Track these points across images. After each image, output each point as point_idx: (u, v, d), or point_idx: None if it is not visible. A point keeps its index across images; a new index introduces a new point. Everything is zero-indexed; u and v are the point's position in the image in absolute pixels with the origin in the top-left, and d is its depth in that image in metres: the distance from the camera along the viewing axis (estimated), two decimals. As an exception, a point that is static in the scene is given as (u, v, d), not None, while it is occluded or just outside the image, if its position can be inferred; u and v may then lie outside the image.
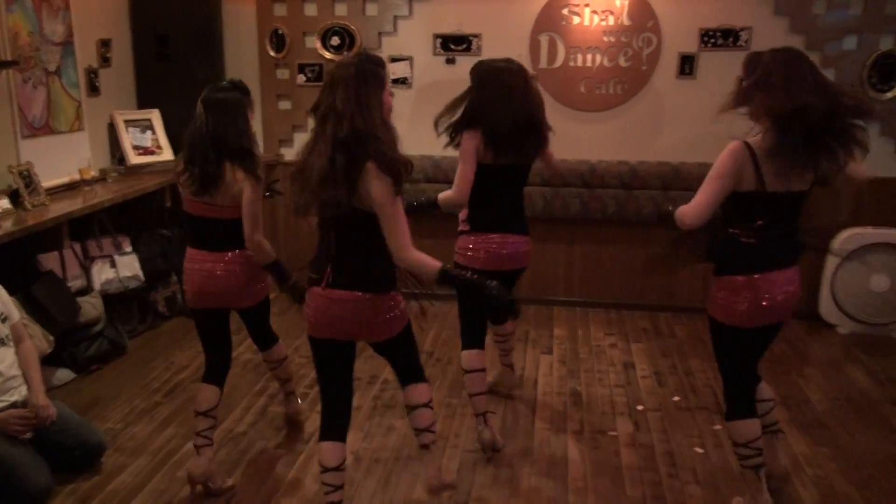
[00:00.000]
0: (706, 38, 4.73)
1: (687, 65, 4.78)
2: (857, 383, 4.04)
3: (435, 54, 5.00)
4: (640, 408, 3.74)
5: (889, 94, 4.60)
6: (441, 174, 5.01)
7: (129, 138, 4.77)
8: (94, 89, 4.58)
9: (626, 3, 4.72)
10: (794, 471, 3.16)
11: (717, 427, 3.53)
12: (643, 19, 4.74)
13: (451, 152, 5.07)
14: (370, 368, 4.15)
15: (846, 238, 4.59)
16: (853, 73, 4.61)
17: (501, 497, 2.99)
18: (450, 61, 5.00)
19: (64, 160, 4.29)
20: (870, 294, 4.64)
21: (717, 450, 3.34)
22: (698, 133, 4.85)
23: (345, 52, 5.03)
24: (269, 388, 3.92)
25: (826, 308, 4.78)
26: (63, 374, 3.94)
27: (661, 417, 3.64)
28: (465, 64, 4.94)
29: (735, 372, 2.75)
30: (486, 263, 3.14)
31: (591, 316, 5.06)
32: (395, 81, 5.05)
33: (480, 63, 3.25)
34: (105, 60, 4.68)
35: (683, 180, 4.82)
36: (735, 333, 2.67)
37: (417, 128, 5.03)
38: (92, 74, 4.56)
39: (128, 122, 4.79)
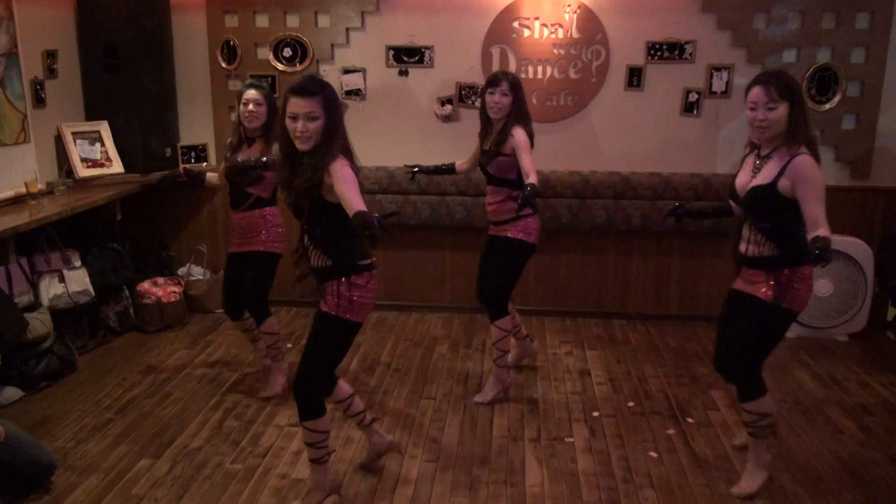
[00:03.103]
0: (653, 52, 4.84)
1: (635, 77, 4.89)
2: (803, 385, 4.17)
3: (388, 66, 5.02)
4: (595, 414, 3.79)
5: (827, 106, 4.77)
6: (395, 185, 5.03)
7: (77, 150, 4.68)
8: (40, 101, 4.49)
9: (575, 16, 4.82)
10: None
11: (671, 431, 3.61)
12: (592, 33, 4.84)
13: (407, 163, 5.12)
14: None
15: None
16: (794, 85, 4.77)
17: (460, 505, 3.01)
18: (402, 73, 5.03)
19: (9, 173, 4.19)
20: (814, 298, 4.77)
21: (670, 454, 3.41)
22: (647, 143, 4.98)
23: (297, 64, 5.03)
24: (224, 402, 3.88)
25: (772, 313, 4.92)
26: (11, 393, 3.84)
27: (617, 423, 3.70)
28: (418, 76, 5.02)
29: (765, 354, 3.05)
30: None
31: (547, 324, 5.12)
32: (349, 93, 5.06)
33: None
34: (51, 72, 4.59)
35: (634, 190, 4.93)
36: (792, 318, 2.99)
37: (372, 139, 5.08)
38: (38, 86, 4.47)
39: (76, 135, 4.71)
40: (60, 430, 3.56)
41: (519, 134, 3.62)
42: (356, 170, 2.64)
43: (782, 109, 2.78)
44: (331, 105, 2.61)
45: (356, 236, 2.66)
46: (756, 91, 2.82)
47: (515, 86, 3.66)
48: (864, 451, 3.45)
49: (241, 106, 3.76)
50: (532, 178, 3.47)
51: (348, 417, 3.16)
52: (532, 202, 3.38)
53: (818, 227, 2.65)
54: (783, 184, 2.77)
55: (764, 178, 2.84)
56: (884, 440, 3.56)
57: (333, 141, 2.61)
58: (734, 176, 3.05)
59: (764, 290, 2.90)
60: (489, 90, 3.67)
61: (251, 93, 3.75)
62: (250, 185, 3.81)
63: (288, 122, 2.60)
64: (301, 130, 2.57)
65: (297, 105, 2.57)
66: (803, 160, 2.74)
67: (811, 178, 2.72)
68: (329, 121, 2.60)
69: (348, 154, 2.66)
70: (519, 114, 3.68)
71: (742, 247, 2.99)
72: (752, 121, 2.85)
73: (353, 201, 2.47)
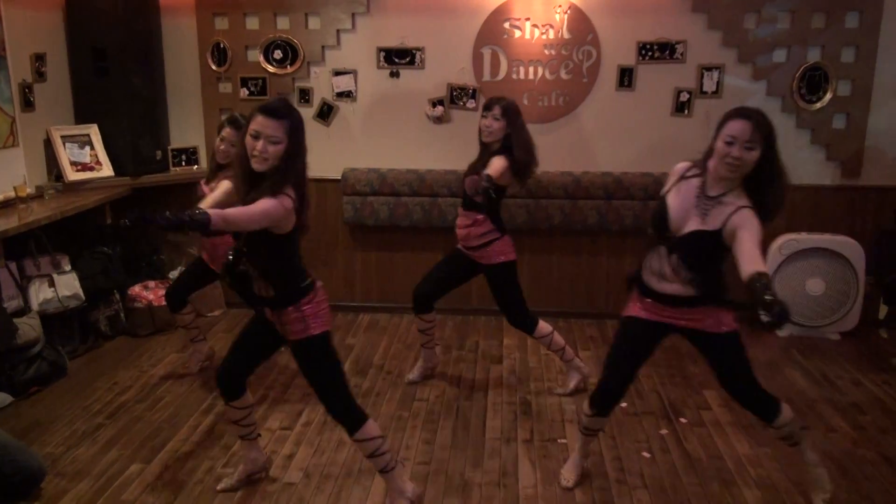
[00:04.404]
0: (643, 52, 4.85)
1: (626, 77, 4.89)
2: (795, 384, 4.17)
3: (379, 68, 5.01)
4: (588, 414, 3.79)
5: (817, 105, 4.78)
6: (387, 187, 5.02)
7: (66, 154, 4.65)
8: (28, 104, 4.46)
9: (566, 17, 4.81)
10: (738, 471, 3.25)
11: (664, 431, 3.61)
12: (583, 33, 4.84)
13: (398, 164, 5.13)
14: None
15: (782, 244, 4.74)
16: (783, 85, 4.78)
17: (453, 508, 3.00)
18: (393, 74, 5.02)
19: (-2, 177, 4.17)
20: (806, 297, 4.80)
21: (663, 454, 3.41)
22: (639, 144, 4.98)
23: (287, 66, 5.01)
24: (216, 406, 3.85)
25: (765, 312, 4.92)
26: (0, 398, 3.81)
27: (609, 424, 3.68)
28: (409, 77, 5.01)
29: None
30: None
31: (539, 325, 5.10)
32: (340, 95, 5.05)
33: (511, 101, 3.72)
34: (40, 75, 4.56)
35: (626, 190, 4.93)
36: None
37: (363, 141, 5.08)
38: (26, 89, 4.44)
39: (65, 138, 4.68)
40: (50, 436, 3.54)
41: (496, 160, 3.57)
42: (302, 201, 2.57)
43: (757, 153, 2.56)
44: (295, 132, 2.54)
45: (293, 262, 2.69)
46: (740, 125, 2.56)
47: (508, 110, 3.61)
48: (857, 450, 3.46)
49: (217, 140, 3.84)
50: (491, 172, 3.46)
51: (233, 424, 3.08)
52: (486, 189, 3.31)
53: (756, 263, 2.42)
54: (727, 231, 2.59)
55: (710, 224, 2.64)
56: (876, 438, 3.57)
57: (290, 171, 2.54)
58: (662, 202, 2.77)
59: (726, 322, 2.81)
60: (483, 114, 3.69)
61: (227, 131, 3.80)
62: None
63: (248, 139, 2.53)
64: (260, 150, 2.49)
65: (261, 124, 2.50)
66: (749, 213, 2.57)
67: (755, 224, 2.55)
68: (291, 147, 2.53)
69: (300, 188, 2.57)
70: (512, 141, 3.62)
71: (657, 284, 2.78)
72: (724, 155, 2.57)
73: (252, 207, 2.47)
